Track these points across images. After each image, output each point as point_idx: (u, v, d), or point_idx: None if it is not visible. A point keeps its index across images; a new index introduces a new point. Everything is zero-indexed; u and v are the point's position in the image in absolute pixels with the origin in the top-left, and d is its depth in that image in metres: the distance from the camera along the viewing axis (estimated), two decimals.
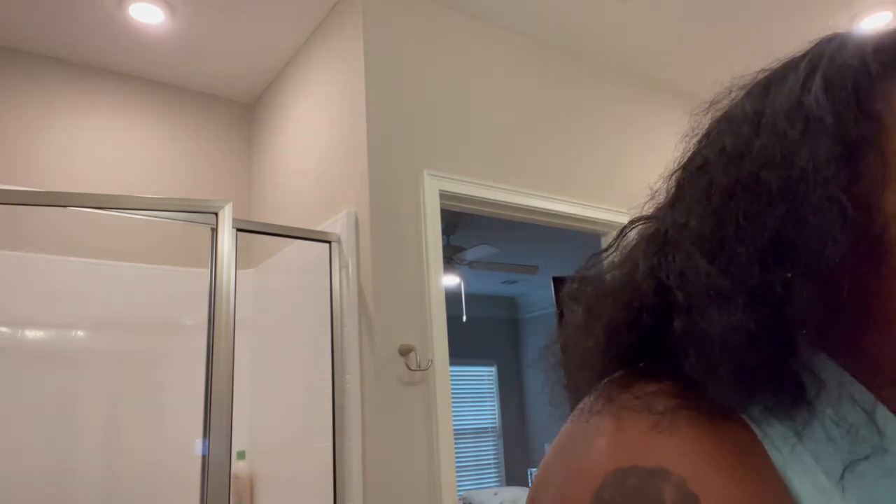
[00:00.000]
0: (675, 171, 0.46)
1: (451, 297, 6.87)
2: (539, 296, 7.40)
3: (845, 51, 0.39)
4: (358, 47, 2.19)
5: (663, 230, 0.42)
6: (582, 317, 0.45)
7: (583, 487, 0.34)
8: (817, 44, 0.42)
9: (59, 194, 1.60)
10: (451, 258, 4.78)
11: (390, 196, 2.08)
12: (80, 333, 2.35)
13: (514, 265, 5.11)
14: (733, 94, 0.46)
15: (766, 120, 0.39)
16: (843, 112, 0.37)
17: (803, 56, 0.42)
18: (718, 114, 0.46)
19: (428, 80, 2.30)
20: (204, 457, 1.57)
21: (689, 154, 0.45)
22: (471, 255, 4.85)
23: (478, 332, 7.39)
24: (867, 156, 0.36)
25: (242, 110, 3.05)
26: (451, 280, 5.21)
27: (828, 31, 0.44)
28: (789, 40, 2.81)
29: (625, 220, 2.59)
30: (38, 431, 2.20)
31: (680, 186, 0.44)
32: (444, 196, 2.20)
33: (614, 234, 0.50)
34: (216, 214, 1.76)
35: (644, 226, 0.46)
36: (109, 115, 2.68)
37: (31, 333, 2.27)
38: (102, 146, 2.63)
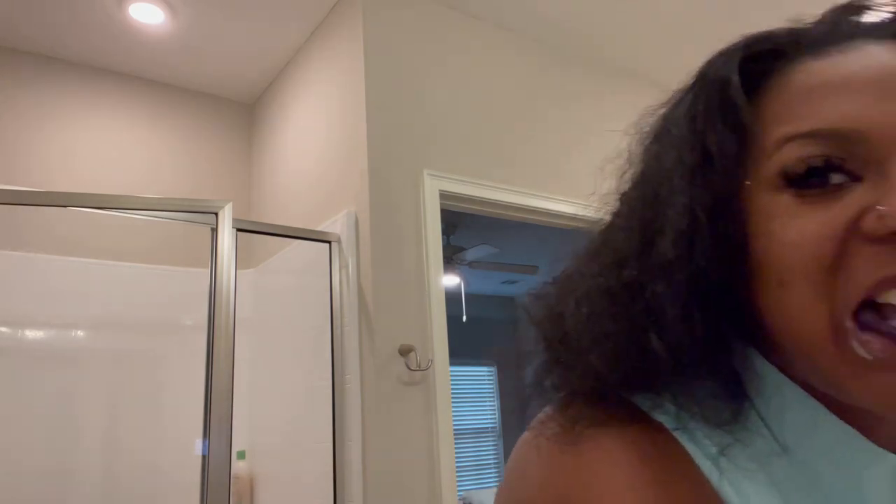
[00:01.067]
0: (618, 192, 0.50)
1: (451, 297, 6.85)
2: None
3: (717, 66, 0.43)
4: (358, 47, 2.19)
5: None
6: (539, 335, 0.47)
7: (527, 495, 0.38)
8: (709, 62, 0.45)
9: (59, 194, 1.61)
10: (451, 258, 4.78)
11: (390, 196, 2.08)
12: (80, 333, 2.35)
13: (514, 265, 5.11)
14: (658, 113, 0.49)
15: (651, 144, 0.44)
16: (701, 125, 0.40)
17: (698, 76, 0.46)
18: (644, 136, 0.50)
19: (428, 80, 2.30)
20: (204, 457, 1.57)
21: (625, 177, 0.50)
22: (471, 255, 4.84)
23: (478, 332, 7.39)
24: (726, 167, 0.38)
25: (242, 110, 3.05)
26: (451, 280, 5.21)
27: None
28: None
29: None
30: (38, 431, 2.20)
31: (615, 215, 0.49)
32: (444, 196, 2.20)
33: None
34: (216, 214, 1.76)
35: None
36: (109, 115, 2.68)
37: (31, 333, 2.26)
38: (102, 146, 2.63)
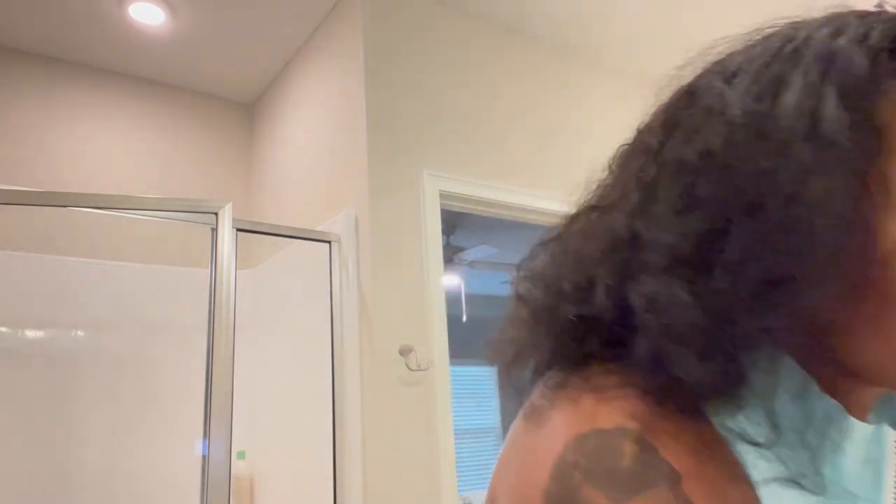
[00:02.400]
0: (637, 154, 0.42)
1: (451, 297, 6.86)
2: None
3: (854, 53, 0.35)
4: (358, 47, 2.19)
5: (626, 237, 0.38)
6: (528, 315, 0.44)
7: (542, 459, 0.34)
8: (817, 28, 0.37)
9: (59, 194, 1.61)
10: (451, 258, 4.78)
11: (390, 196, 2.08)
12: (80, 333, 2.35)
13: (515, 265, 5.10)
14: (703, 70, 0.41)
15: (771, 131, 0.34)
16: (860, 138, 0.33)
17: (803, 44, 0.37)
18: (685, 92, 0.41)
19: (428, 80, 2.30)
20: (204, 457, 1.57)
21: (655, 138, 0.41)
22: (471, 255, 4.85)
23: (478, 332, 7.36)
24: (871, 179, 0.33)
25: (242, 110, 3.05)
26: (451, 280, 5.21)
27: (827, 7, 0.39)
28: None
29: None
30: (38, 431, 2.20)
31: (653, 185, 0.39)
32: (444, 196, 2.20)
33: (561, 219, 0.48)
34: (216, 214, 1.76)
35: (598, 220, 0.42)
36: (109, 115, 2.68)
37: (31, 333, 2.26)
38: (102, 146, 2.63)
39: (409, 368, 1.95)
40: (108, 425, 2.32)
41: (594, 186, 0.47)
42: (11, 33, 2.44)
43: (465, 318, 7.07)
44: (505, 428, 7.13)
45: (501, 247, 5.35)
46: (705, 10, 2.59)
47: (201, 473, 1.57)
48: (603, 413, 0.34)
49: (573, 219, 0.46)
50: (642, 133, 0.44)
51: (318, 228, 2.27)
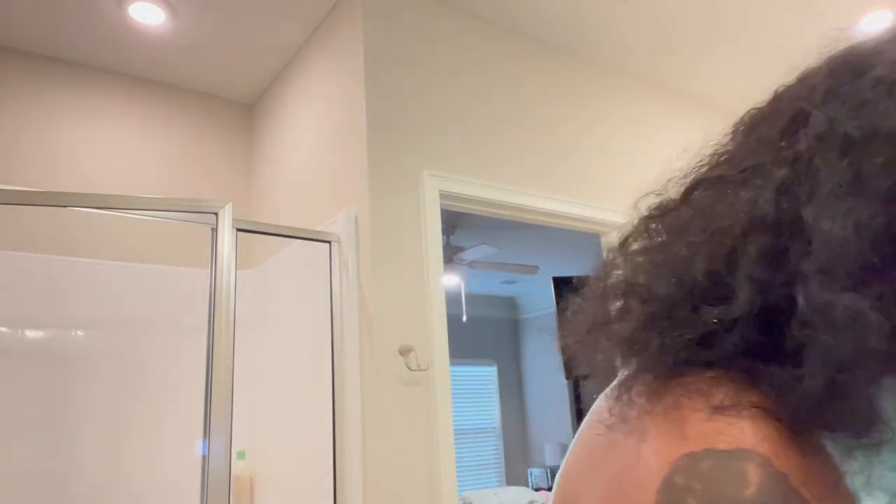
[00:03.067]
0: (776, 121, 0.36)
1: (451, 297, 6.88)
2: (539, 296, 7.40)
3: None
4: (358, 47, 2.19)
5: (776, 220, 0.33)
6: (639, 304, 0.37)
7: (645, 478, 0.30)
8: None
9: (59, 194, 1.61)
10: (451, 258, 4.78)
11: (390, 196, 2.08)
12: (80, 333, 2.35)
13: (514, 265, 5.11)
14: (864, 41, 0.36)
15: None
16: None
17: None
18: (844, 61, 0.36)
19: (428, 80, 2.30)
20: (204, 457, 1.57)
21: (808, 104, 0.35)
22: (471, 255, 4.85)
23: (478, 332, 7.39)
24: None
25: (242, 110, 3.05)
26: (451, 280, 5.21)
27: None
28: (791, 39, 2.81)
29: (624, 220, 2.58)
30: (38, 431, 2.20)
31: (807, 160, 0.33)
32: (444, 196, 2.20)
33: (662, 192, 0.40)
34: (216, 214, 1.76)
35: (730, 194, 0.36)
36: (109, 115, 2.68)
37: (31, 333, 2.26)
38: (102, 146, 2.63)
39: (409, 368, 1.95)
40: (108, 425, 2.32)
41: (710, 153, 0.39)
42: (11, 33, 2.44)
43: (465, 318, 7.07)
44: (504, 427, 7.13)
45: (501, 247, 5.36)
46: (705, 9, 2.59)
47: (201, 473, 1.57)
48: (717, 430, 0.30)
49: (687, 191, 0.39)
50: (783, 98, 0.38)
51: (318, 228, 2.27)
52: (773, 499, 0.27)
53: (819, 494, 0.28)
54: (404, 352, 1.95)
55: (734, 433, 0.29)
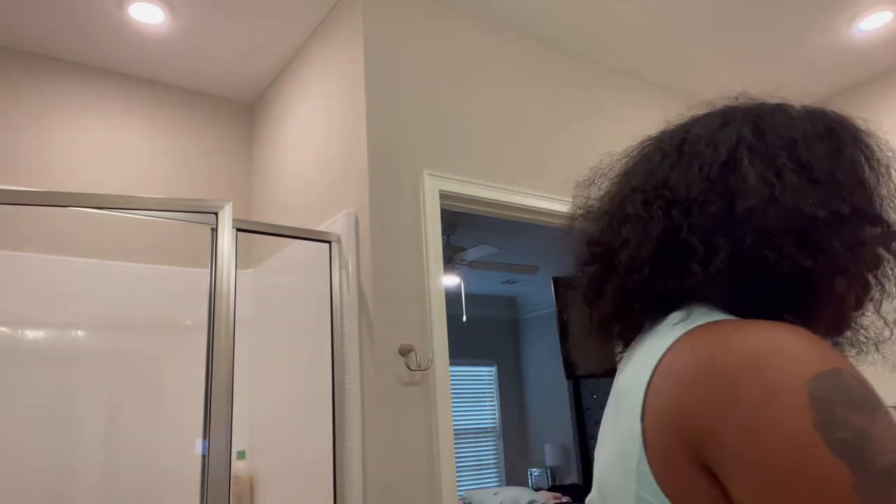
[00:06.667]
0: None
1: (451, 297, 6.88)
2: (539, 296, 7.40)
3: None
4: (358, 47, 2.19)
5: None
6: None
7: (791, 393, 0.44)
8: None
9: (59, 194, 1.61)
10: (451, 258, 4.78)
11: (390, 196, 2.08)
12: (80, 333, 2.35)
13: (514, 265, 5.11)
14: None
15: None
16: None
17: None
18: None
19: (428, 80, 2.30)
20: (204, 457, 1.57)
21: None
22: (471, 255, 4.85)
23: (478, 332, 7.39)
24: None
25: (242, 110, 3.05)
26: (451, 280, 5.21)
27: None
28: (789, 40, 2.81)
29: None
30: (39, 431, 2.20)
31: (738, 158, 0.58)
32: (444, 196, 2.20)
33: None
34: (216, 214, 1.76)
35: None
36: (109, 114, 2.68)
37: (31, 333, 2.26)
38: (102, 146, 2.63)
39: (409, 368, 1.95)
40: (107, 425, 2.32)
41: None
42: (11, 33, 2.44)
43: (465, 318, 7.07)
44: (504, 427, 7.13)
45: (501, 247, 5.35)
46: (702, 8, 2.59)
47: (201, 473, 1.57)
48: (823, 355, 0.46)
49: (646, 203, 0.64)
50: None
51: (318, 228, 2.27)
52: (867, 392, 0.46)
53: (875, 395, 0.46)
54: (404, 352, 1.95)
55: (829, 357, 0.47)
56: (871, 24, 2.72)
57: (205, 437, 1.59)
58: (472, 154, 2.33)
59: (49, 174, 2.48)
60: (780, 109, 0.60)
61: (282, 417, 2.36)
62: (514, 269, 5.16)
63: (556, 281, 4.03)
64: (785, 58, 2.94)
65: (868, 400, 0.44)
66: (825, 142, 0.57)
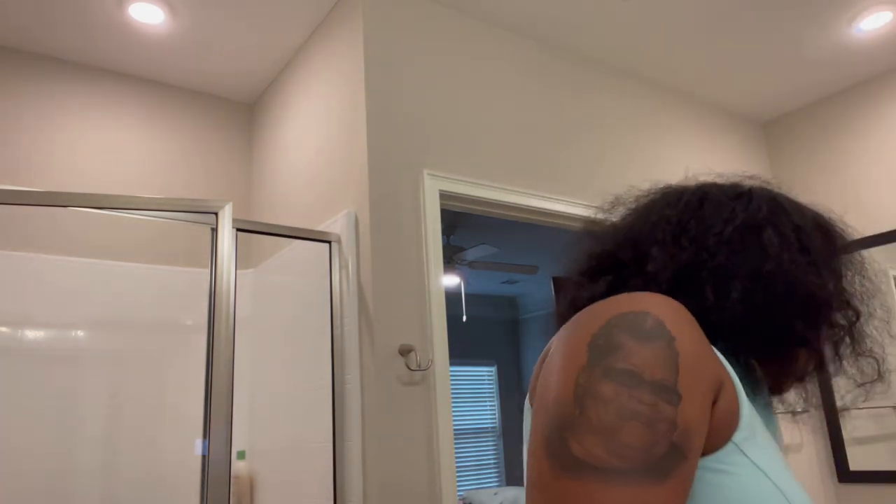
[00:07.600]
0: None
1: (451, 297, 6.89)
2: (539, 296, 7.40)
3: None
4: (358, 47, 2.19)
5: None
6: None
7: (591, 323, 0.52)
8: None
9: (59, 194, 1.61)
10: (451, 258, 4.78)
11: (390, 196, 2.08)
12: (80, 333, 2.35)
13: (514, 265, 5.11)
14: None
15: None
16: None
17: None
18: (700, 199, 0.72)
19: (428, 81, 2.30)
20: (204, 457, 1.57)
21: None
22: (471, 255, 4.85)
23: (478, 332, 7.39)
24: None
25: (242, 110, 3.05)
26: (451, 280, 5.21)
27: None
28: (789, 40, 2.81)
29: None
30: (39, 431, 2.20)
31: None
32: (444, 196, 2.20)
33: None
34: (216, 214, 1.76)
35: None
36: (109, 114, 2.68)
37: (31, 333, 2.27)
38: (102, 146, 2.63)
39: (409, 368, 1.95)
40: (108, 425, 2.33)
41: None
42: (10, 33, 2.44)
43: (465, 318, 7.07)
44: (504, 427, 7.13)
45: (501, 247, 5.35)
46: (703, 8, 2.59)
47: (201, 473, 1.57)
48: (636, 302, 0.53)
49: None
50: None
51: (318, 228, 2.27)
52: (656, 329, 0.50)
53: (683, 336, 0.51)
54: (404, 352, 1.95)
55: (645, 304, 0.53)
56: (871, 24, 2.73)
57: (205, 436, 1.59)
58: (472, 154, 2.33)
59: (49, 174, 2.48)
60: (788, 196, 0.70)
61: (282, 417, 2.36)
62: (514, 269, 5.16)
63: (556, 281, 4.03)
64: (785, 58, 2.94)
65: (649, 333, 0.51)
66: (819, 233, 0.66)
